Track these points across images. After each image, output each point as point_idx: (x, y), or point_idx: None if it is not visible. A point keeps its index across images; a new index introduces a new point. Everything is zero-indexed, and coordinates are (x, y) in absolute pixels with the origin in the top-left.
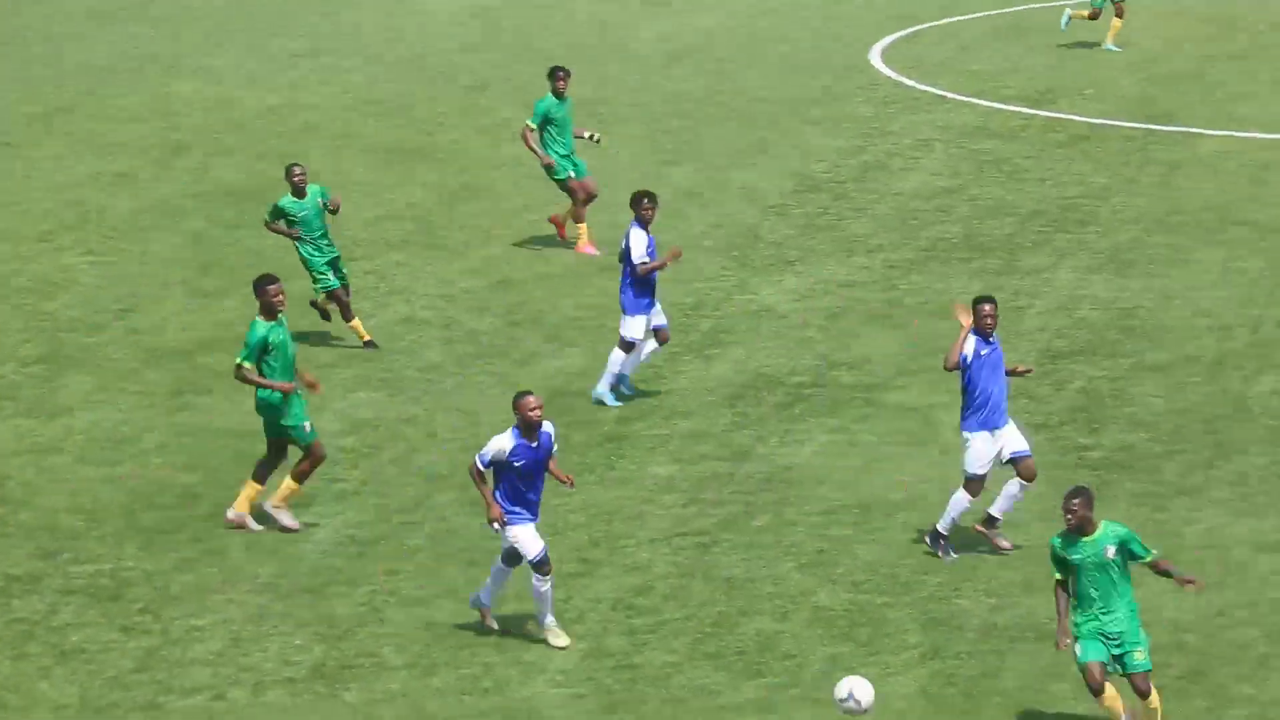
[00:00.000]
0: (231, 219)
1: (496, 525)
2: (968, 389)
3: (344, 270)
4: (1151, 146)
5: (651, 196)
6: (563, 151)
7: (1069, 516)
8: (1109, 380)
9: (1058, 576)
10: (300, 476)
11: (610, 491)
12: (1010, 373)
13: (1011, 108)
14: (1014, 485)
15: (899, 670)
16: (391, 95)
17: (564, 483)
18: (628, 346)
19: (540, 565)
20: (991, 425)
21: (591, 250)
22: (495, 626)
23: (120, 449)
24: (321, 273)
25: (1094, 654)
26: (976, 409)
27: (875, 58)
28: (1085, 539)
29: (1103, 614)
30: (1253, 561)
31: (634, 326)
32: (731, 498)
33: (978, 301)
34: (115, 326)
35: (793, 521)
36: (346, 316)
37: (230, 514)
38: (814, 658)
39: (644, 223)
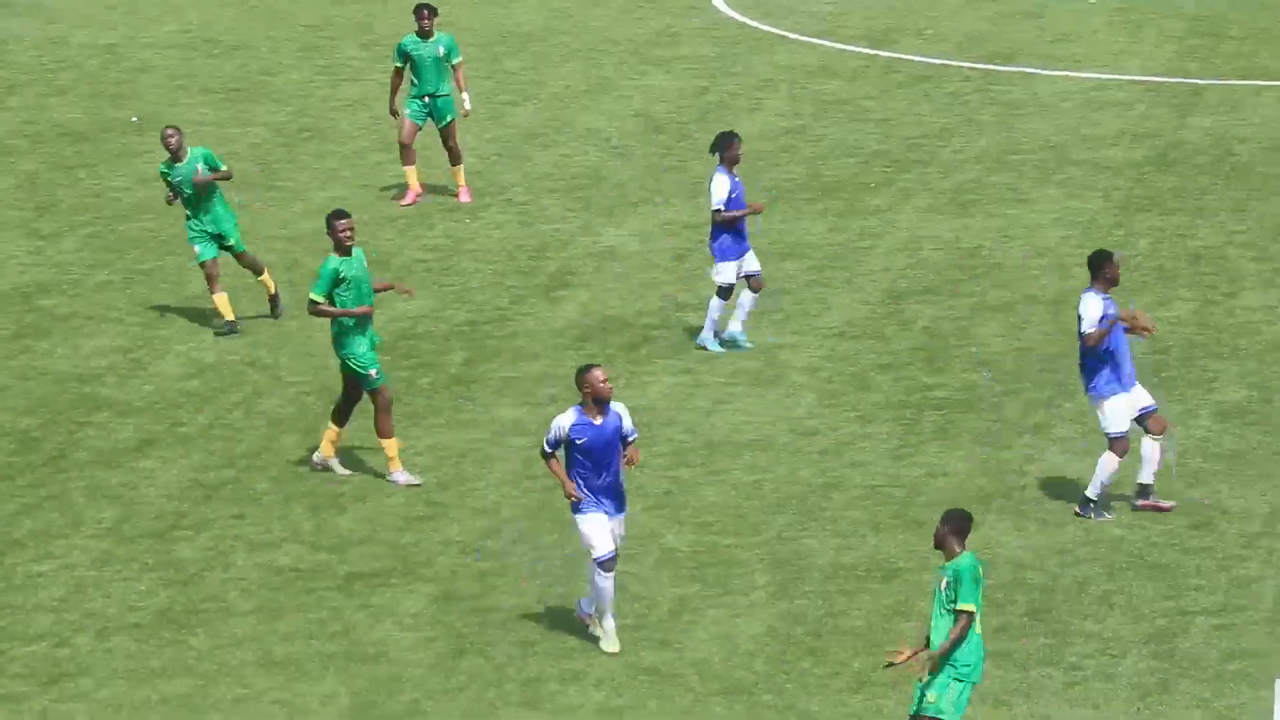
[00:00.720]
0: (68, 159)
1: (572, 500)
2: (1102, 352)
3: (231, 242)
4: (990, 86)
5: (739, 138)
6: (415, 93)
7: None
8: (952, 320)
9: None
10: (387, 431)
11: (458, 434)
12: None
13: (853, 48)
14: (1149, 447)
15: (746, 611)
16: (230, 34)
17: (625, 461)
18: (724, 293)
19: (605, 564)
20: (1129, 385)
21: (414, 195)
22: (599, 634)
23: None
24: (196, 243)
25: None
26: (1113, 370)
27: None
28: (946, 563)
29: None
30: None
31: (726, 272)
32: None
33: (1108, 256)
34: None
35: (640, 463)
36: (212, 289)
37: (315, 458)
38: (663, 599)
39: (730, 165)
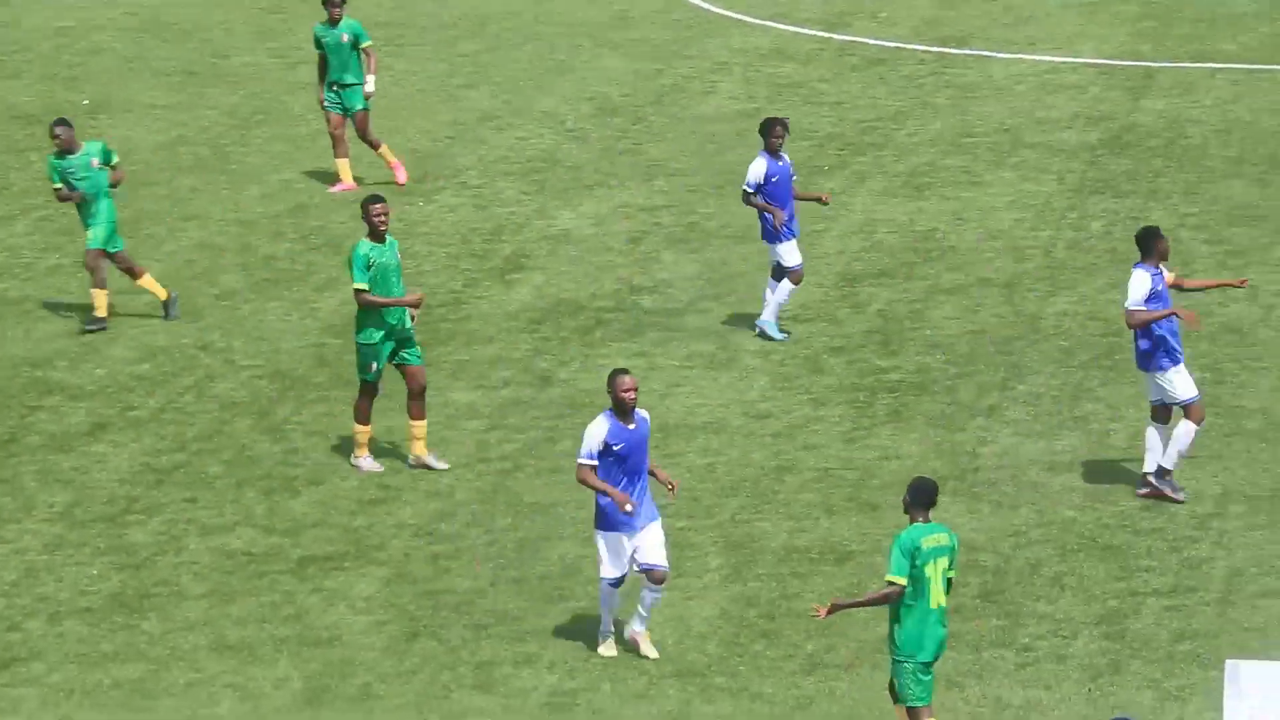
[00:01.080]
0: (19, 142)
1: (629, 508)
2: (1154, 328)
3: (89, 237)
4: (945, 70)
5: (783, 124)
6: (328, 82)
7: None
8: (905, 303)
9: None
10: (364, 418)
11: None
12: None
13: (807, 31)
14: (1156, 438)
15: (700, 593)
16: (183, 18)
17: (668, 487)
18: (793, 275)
19: (615, 583)
20: (1181, 357)
21: (343, 187)
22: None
23: None
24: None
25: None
26: (1166, 346)
27: None
28: None
29: None
30: (1045, 481)
31: (788, 254)
32: (533, 423)
33: (1156, 231)
34: None
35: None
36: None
37: (410, 461)
38: None
39: (771, 151)
